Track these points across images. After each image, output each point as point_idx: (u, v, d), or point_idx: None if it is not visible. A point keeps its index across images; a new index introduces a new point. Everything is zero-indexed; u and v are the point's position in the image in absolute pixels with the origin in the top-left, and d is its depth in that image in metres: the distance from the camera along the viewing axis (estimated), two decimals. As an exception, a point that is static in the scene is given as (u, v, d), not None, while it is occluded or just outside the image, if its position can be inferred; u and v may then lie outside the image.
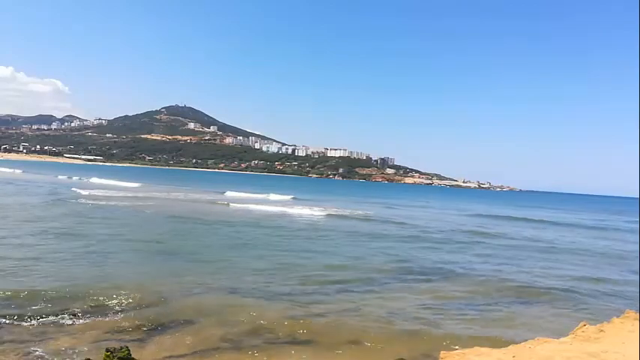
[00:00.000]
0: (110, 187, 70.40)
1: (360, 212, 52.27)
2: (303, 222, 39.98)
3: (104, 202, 43.43)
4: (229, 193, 69.47)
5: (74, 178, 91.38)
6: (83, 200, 44.22)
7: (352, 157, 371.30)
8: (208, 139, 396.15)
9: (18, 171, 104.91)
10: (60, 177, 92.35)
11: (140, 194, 57.35)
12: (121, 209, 39.32)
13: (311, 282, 17.53)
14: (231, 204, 51.13)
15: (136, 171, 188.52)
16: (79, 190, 54.48)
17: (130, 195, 54.75)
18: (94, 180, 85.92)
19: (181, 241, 25.12)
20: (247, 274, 17.96)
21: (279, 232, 32.08)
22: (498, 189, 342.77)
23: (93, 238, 23.40)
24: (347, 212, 51.27)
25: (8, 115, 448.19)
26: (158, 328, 11.66)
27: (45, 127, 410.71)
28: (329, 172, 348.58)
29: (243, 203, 53.79)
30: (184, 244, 24.42)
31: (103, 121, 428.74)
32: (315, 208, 51.91)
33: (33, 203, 38.58)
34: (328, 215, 46.76)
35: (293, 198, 69.55)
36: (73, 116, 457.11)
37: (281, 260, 21.36)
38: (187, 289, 15.26)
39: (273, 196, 69.78)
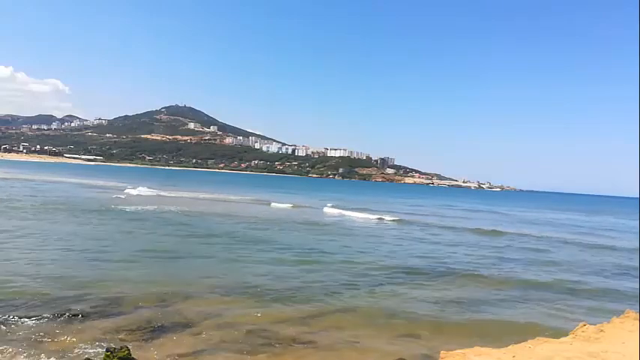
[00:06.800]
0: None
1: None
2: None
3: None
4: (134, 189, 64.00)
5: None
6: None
7: (352, 157, 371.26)
8: (208, 139, 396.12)
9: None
10: None
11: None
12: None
13: None
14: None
15: (130, 171, 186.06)
16: None
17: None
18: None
19: None
20: None
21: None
22: (498, 189, 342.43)
23: None
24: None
25: (8, 115, 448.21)
26: (158, 328, 11.68)
27: (45, 127, 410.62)
28: (329, 172, 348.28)
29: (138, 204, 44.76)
30: None
31: (103, 121, 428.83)
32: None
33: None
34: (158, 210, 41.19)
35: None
36: (73, 116, 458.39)
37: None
38: None
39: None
